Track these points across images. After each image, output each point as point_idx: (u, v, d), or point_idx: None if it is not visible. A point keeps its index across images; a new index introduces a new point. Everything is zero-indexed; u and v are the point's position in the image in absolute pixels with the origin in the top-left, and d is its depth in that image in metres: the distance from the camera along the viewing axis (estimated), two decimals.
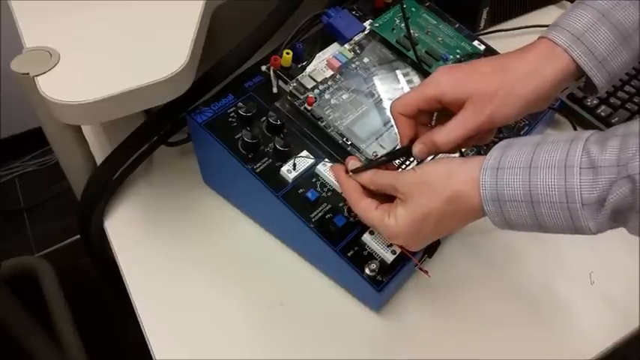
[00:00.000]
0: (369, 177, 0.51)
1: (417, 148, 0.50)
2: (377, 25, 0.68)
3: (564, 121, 0.74)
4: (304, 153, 0.57)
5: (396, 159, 0.52)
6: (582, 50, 0.46)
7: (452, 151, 0.49)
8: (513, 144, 0.44)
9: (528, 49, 0.48)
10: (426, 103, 0.49)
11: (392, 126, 0.61)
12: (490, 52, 0.70)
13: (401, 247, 0.53)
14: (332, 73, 0.63)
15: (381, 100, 0.63)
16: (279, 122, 0.57)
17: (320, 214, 0.54)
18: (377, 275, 0.52)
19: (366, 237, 0.54)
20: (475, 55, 0.69)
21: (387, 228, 0.48)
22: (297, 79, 0.61)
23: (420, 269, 0.56)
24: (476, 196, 0.43)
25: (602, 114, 0.72)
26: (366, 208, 0.50)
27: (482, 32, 0.86)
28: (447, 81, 0.48)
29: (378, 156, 0.52)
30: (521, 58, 0.48)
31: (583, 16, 0.46)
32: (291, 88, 0.60)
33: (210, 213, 0.64)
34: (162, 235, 0.62)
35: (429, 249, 0.56)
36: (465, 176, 0.44)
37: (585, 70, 0.46)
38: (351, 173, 0.52)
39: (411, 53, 0.66)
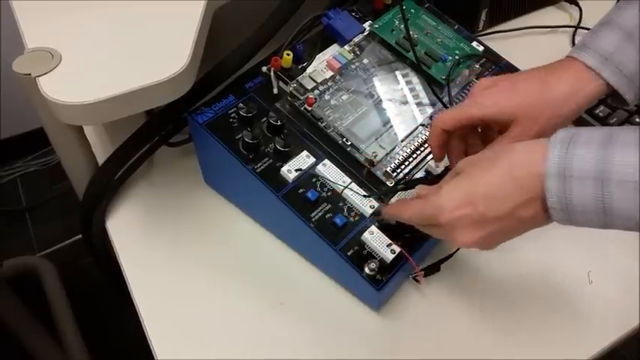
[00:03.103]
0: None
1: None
2: (376, 26, 0.69)
3: None
4: (304, 154, 0.57)
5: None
6: (612, 70, 0.48)
7: None
8: (583, 127, 0.41)
9: (564, 69, 0.50)
10: (470, 121, 0.51)
11: (391, 126, 0.62)
12: (489, 53, 0.71)
13: (401, 248, 0.53)
14: (332, 74, 0.63)
15: (380, 100, 0.63)
16: (279, 123, 0.57)
17: (320, 214, 0.55)
18: (376, 274, 0.52)
19: (366, 236, 0.54)
20: (474, 56, 0.69)
21: (431, 204, 0.46)
22: (298, 80, 0.61)
23: (414, 278, 0.56)
24: (539, 167, 0.40)
25: (601, 114, 0.72)
26: (413, 205, 0.49)
27: (481, 33, 0.86)
28: (490, 103, 0.50)
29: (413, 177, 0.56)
30: (558, 79, 0.50)
31: (609, 37, 0.49)
32: (291, 88, 0.61)
33: (211, 213, 0.64)
34: (164, 235, 0.63)
35: (429, 268, 0.58)
36: (528, 150, 0.42)
37: (616, 87, 0.48)
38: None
39: (410, 54, 0.66)
